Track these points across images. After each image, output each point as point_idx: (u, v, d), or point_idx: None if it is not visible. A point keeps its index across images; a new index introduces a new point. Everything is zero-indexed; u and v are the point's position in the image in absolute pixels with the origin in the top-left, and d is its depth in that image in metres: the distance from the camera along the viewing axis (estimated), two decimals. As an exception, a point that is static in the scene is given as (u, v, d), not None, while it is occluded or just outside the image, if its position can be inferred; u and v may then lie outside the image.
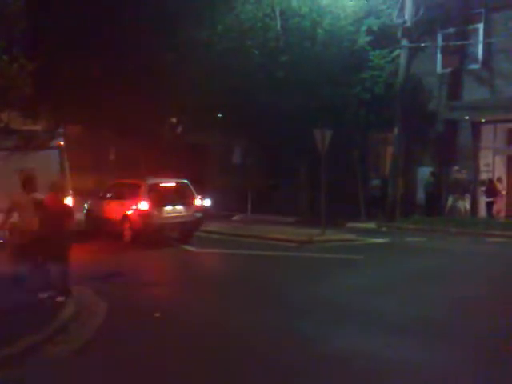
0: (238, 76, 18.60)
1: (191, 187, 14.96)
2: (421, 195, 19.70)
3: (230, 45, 19.33)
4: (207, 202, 17.10)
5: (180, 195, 14.75)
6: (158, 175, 15.86)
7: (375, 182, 20.38)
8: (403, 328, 7.19)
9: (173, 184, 15.10)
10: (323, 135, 16.35)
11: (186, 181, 15.08)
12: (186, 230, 14.86)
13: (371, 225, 18.20)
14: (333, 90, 19.06)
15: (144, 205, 14.08)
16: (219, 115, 21.10)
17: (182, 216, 14.57)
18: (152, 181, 14.68)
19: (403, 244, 14.87)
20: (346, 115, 19.13)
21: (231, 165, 21.70)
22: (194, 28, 18.15)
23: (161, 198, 14.35)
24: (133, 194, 14.40)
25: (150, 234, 14.40)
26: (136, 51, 14.23)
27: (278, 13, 19.90)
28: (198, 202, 14.96)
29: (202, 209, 15.18)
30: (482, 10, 18.90)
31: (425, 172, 19.53)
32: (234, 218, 20.33)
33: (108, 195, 15.63)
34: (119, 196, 15.04)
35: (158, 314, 7.93)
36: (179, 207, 14.63)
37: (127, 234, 14.41)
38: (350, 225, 18.07)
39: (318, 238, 15.17)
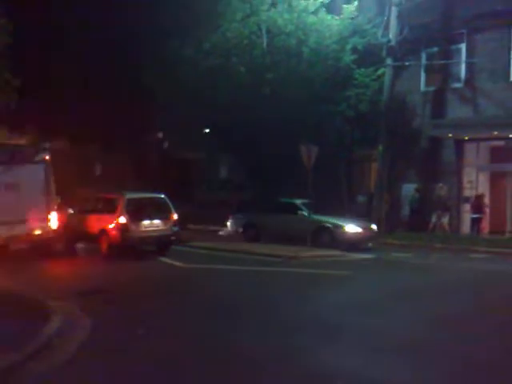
0: (225, 93, 18.73)
1: (169, 201, 15.22)
2: (405, 211, 19.88)
3: (216, 62, 19.50)
4: (374, 227, 16.90)
5: (158, 209, 15.06)
6: (137, 189, 16.05)
7: (361, 198, 20.52)
8: (388, 346, 7.14)
9: (151, 198, 15.39)
10: (309, 151, 16.47)
11: (163, 195, 15.32)
12: (163, 243, 15.13)
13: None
14: (318, 107, 19.25)
15: (122, 218, 14.33)
16: (205, 131, 21.19)
17: (160, 230, 14.91)
18: (130, 195, 14.94)
19: (389, 260, 14.92)
20: (332, 132, 19.30)
21: (219, 180, 21.78)
22: (180, 45, 18.27)
23: (139, 211, 14.64)
24: (111, 207, 14.64)
25: (128, 248, 14.59)
26: (123, 66, 14.31)
27: (264, 31, 20.14)
28: (175, 216, 15.20)
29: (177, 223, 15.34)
30: (464, 31, 19.30)
31: (409, 188, 19.72)
32: (221, 232, 20.31)
33: (86, 209, 15.67)
34: (97, 210, 15.21)
35: (141, 331, 7.82)
36: (157, 221, 14.93)
37: (105, 247, 14.53)
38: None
39: (304, 253, 15.18)
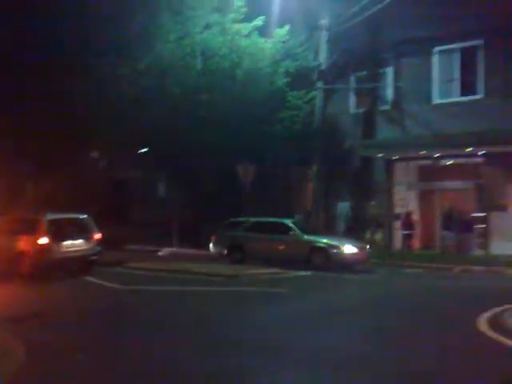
0: (160, 113, 18.54)
1: (91, 221, 15.26)
2: (341, 229, 20.24)
3: (151, 82, 19.30)
4: (368, 247, 16.10)
5: (80, 229, 15.02)
6: (70, 210, 15.86)
7: (297, 217, 20.70)
8: (319, 361, 6.94)
9: (72, 218, 15.29)
10: (246, 170, 16.51)
11: (86, 215, 15.30)
12: (86, 263, 14.98)
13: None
14: (254, 129, 19.41)
15: (43, 240, 14.17)
16: (142, 150, 20.84)
17: (82, 250, 14.86)
18: (51, 216, 14.76)
19: (326, 276, 15.01)
20: (268, 153, 19.48)
21: (156, 199, 21.36)
22: (115, 64, 18.03)
23: (60, 232, 14.53)
24: (32, 228, 14.39)
25: (51, 269, 14.29)
26: (58, 84, 13.89)
27: (198, 53, 20.20)
28: (97, 235, 15.19)
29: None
30: (391, 55, 20.20)
31: (344, 207, 20.15)
32: (160, 253, 19.82)
33: (8, 230, 14.85)
34: (19, 231, 14.65)
35: (80, 356, 7.36)
36: (79, 241, 14.89)
37: (28, 269, 13.96)
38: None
39: (245, 271, 15.04)
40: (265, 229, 16.64)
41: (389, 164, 20.20)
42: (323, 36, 20.36)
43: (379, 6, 18.49)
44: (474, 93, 18.97)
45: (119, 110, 18.11)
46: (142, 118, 18.40)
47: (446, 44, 19.38)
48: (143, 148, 20.68)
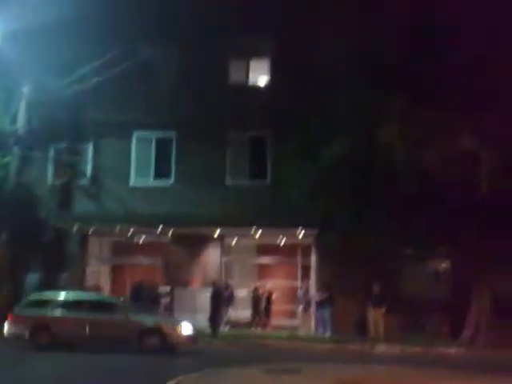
0: None
1: None
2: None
3: None
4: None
5: None
6: None
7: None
8: None
9: None
10: None
11: None
12: None
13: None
14: None
15: None
16: None
17: None
18: None
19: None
20: None
21: None
22: None
23: None
24: None
25: None
26: None
27: None
28: None
29: None
30: (92, 132, 20.80)
31: (34, 277, 19.30)
32: None
33: None
34: None
35: None
36: None
37: None
38: None
39: None
40: (82, 307, 14.65)
41: (83, 237, 20.41)
42: (23, 102, 19.84)
43: (83, 86, 19.14)
44: (166, 178, 20.93)
45: None
46: None
47: (144, 131, 21.08)
48: None
